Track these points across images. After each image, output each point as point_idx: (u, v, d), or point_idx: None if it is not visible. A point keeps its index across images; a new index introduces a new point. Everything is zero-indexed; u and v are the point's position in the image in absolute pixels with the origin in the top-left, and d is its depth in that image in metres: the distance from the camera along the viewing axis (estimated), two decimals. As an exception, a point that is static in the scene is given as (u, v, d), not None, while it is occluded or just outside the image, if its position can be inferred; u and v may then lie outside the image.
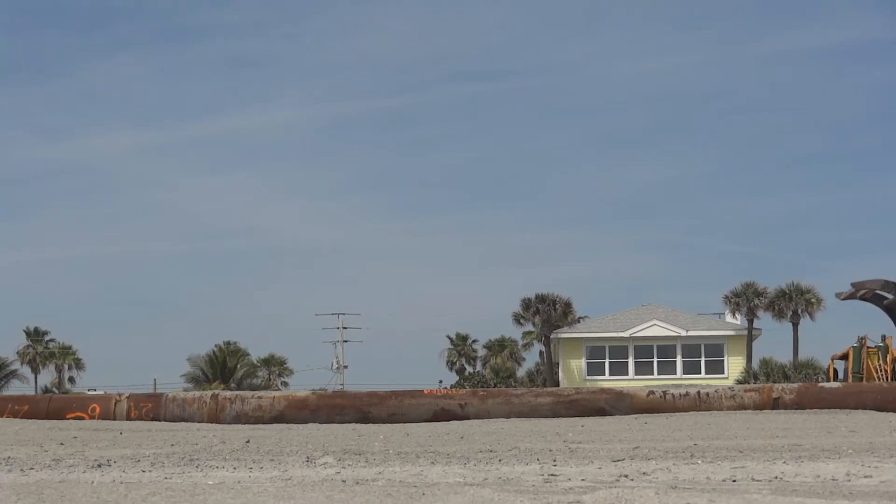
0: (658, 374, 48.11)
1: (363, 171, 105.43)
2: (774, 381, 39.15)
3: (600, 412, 15.78)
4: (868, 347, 26.45)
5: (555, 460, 8.94)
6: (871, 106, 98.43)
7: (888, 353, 25.95)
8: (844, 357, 27.28)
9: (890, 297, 24.62)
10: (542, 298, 55.52)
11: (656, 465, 8.39)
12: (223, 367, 67.93)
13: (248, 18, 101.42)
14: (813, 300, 52.21)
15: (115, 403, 15.87)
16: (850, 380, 26.04)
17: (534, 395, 16.18)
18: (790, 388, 16.50)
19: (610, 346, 49.94)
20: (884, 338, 27.82)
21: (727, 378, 45.66)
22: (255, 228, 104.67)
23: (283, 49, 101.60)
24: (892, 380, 24.88)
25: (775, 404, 15.93)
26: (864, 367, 25.90)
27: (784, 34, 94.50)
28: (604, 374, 48.77)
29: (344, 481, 7.50)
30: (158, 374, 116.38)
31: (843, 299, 26.17)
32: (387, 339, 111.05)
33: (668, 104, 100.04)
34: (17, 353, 74.37)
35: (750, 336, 48.63)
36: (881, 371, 25.56)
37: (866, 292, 25.06)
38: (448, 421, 15.42)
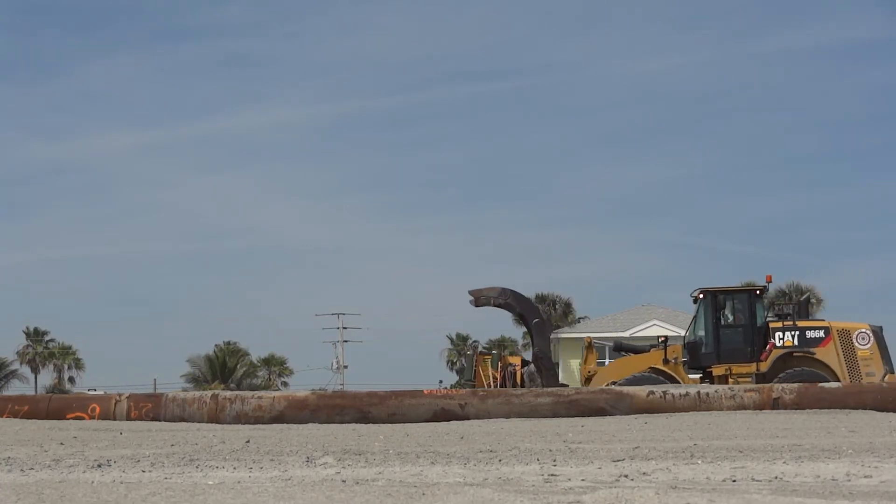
0: (658, 373, 48.03)
1: (363, 171, 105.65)
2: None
3: (600, 412, 15.78)
4: (481, 355, 27.59)
5: (555, 460, 8.94)
6: (871, 106, 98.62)
7: (500, 360, 27.07)
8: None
9: (515, 306, 24.97)
10: (542, 298, 55.54)
11: (656, 465, 8.39)
12: (223, 367, 68.02)
13: (248, 18, 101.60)
14: (813, 300, 52.17)
15: (115, 403, 15.86)
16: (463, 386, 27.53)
17: (534, 395, 16.18)
18: (790, 388, 16.49)
19: (610, 346, 49.89)
20: (499, 346, 29.18)
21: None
22: (255, 228, 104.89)
23: (283, 49, 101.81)
24: (502, 386, 25.95)
25: (775, 404, 15.93)
26: (476, 374, 27.02)
27: (784, 34, 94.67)
28: (604, 374, 48.71)
29: (344, 481, 7.50)
30: (158, 374, 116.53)
31: (477, 307, 26.69)
32: (387, 339, 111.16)
33: (668, 104, 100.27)
34: (17, 353, 74.55)
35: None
36: (491, 378, 26.63)
37: (494, 300, 25.33)
38: (448, 421, 15.41)
